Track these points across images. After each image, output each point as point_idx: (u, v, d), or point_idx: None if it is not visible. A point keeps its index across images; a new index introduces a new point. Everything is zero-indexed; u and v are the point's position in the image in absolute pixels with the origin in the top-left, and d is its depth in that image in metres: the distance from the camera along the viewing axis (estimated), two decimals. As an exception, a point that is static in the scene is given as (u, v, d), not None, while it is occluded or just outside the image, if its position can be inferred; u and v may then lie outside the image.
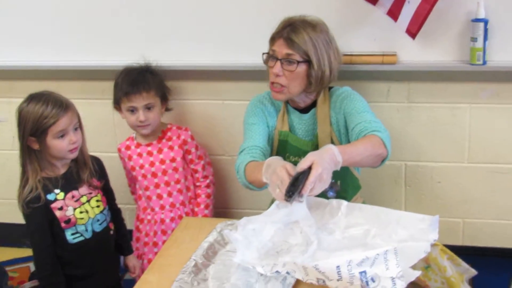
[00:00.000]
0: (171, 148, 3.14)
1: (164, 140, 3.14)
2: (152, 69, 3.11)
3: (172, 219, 3.15)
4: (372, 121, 2.50)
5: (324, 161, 2.08)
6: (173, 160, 3.13)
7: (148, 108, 3.01)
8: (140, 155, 3.13)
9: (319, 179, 2.05)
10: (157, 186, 3.13)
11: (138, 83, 2.99)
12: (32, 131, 2.52)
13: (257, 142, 2.61)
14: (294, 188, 2.06)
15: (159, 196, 3.14)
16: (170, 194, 3.14)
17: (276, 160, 2.24)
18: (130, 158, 3.14)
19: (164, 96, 3.12)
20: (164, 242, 3.06)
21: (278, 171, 2.13)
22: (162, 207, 3.15)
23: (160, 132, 3.16)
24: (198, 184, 3.25)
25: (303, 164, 2.08)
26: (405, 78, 3.03)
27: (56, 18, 3.26)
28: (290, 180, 2.08)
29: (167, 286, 2.02)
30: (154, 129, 3.10)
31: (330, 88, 2.74)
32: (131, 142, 3.17)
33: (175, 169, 3.14)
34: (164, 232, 3.15)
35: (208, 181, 3.26)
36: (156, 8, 3.14)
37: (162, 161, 3.12)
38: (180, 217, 3.13)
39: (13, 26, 3.33)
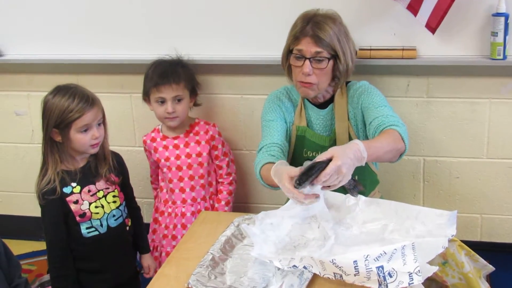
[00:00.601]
0: (198, 142, 3.14)
1: (191, 134, 3.15)
2: (183, 62, 3.13)
3: (192, 213, 3.15)
4: (389, 115, 2.49)
5: (345, 156, 2.06)
6: (199, 154, 3.13)
7: (177, 100, 3.02)
8: (166, 147, 3.13)
9: (338, 172, 2.03)
10: (181, 179, 3.14)
11: (168, 74, 3.00)
12: (56, 123, 2.53)
13: (275, 139, 2.61)
14: (306, 177, 2.04)
15: (182, 190, 3.14)
16: (193, 189, 3.15)
17: (280, 166, 2.22)
18: (156, 150, 3.14)
19: (193, 90, 3.13)
20: (183, 236, 3.08)
21: (282, 180, 2.12)
22: (184, 201, 3.15)
23: (188, 126, 3.16)
24: (221, 180, 3.25)
25: (323, 156, 2.06)
26: (425, 73, 3.02)
27: (75, 12, 3.28)
28: (303, 169, 2.07)
29: (184, 280, 2.03)
30: (182, 122, 3.11)
31: (347, 82, 2.73)
32: (156, 134, 3.17)
33: (200, 164, 3.14)
34: (184, 226, 3.15)
35: (231, 178, 3.27)
36: (174, 3, 3.14)
37: (188, 155, 3.12)
38: (200, 211, 3.12)
39: (33, 20, 3.35)
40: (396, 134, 2.36)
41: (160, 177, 3.24)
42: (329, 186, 2.07)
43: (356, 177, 2.31)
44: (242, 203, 3.50)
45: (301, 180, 2.04)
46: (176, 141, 3.14)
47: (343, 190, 2.22)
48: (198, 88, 3.18)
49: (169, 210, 3.18)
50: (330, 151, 2.07)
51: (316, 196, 2.10)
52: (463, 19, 2.85)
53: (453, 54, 2.93)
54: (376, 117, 2.49)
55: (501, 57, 2.81)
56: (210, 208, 3.21)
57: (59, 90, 2.57)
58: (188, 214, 3.15)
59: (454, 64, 2.94)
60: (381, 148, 2.26)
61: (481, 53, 2.90)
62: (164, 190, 3.21)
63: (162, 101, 3.02)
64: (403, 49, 2.95)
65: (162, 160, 3.14)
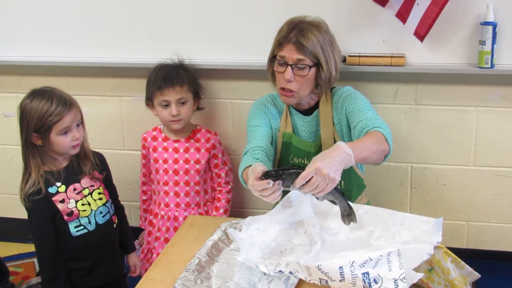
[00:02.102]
0: (198, 149, 3.14)
1: (192, 140, 3.15)
2: (186, 66, 3.12)
3: (185, 218, 3.12)
4: (373, 118, 2.50)
5: (325, 158, 2.07)
6: (197, 161, 3.13)
7: (181, 103, 3.02)
8: (166, 149, 3.13)
9: (319, 174, 2.01)
10: (176, 183, 3.13)
11: (172, 77, 3.00)
12: (36, 128, 2.53)
13: (259, 143, 2.61)
14: (276, 172, 2.06)
15: (177, 194, 3.14)
16: (187, 194, 3.14)
17: (256, 165, 2.22)
18: (155, 149, 3.14)
19: (196, 93, 3.13)
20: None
21: (250, 177, 2.15)
22: (178, 205, 3.15)
23: (189, 131, 3.16)
24: (219, 188, 3.25)
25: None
26: (413, 80, 3.03)
27: (66, 14, 3.27)
28: (282, 167, 2.10)
29: (170, 283, 2.03)
30: (185, 127, 3.11)
31: (331, 88, 2.74)
32: (158, 133, 3.17)
33: (198, 171, 3.14)
34: (176, 229, 3.12)
35: (229, 187, 3.27)
36: (165, 6, 3.15)
37: (187, 161, 3.12)
38: (193, 217, 3.13)
39: (22, 22, 3.34)
40: (380, 135, 2.36)
41: (157, 177, 3.19)
42: (320, 192, 2.06)
43: (343, 183, 2.32)
44: (234, 207, 3.49)
45: (269, 173, 2.07)
46: (176, 145, 3.13)
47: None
48: (201, 92, 3.18)
49: (162, 212, 3.17)
50: (312, 160, 2.08)
51: (274, 185, 2.09)
52: (451, 27, 2.87)
53: (442, 62, 2.94)
54: (360, 120, 2.50)
55: (489, 65, 2.83)
56: (204, 214, 3.20)
57: (36, 94, 2.57)
58: (181, 219, 3.14)
59: (442, 72, 2.95)
60: (366, 148, 2.27)
61: (469, 62, 2.91)
62: (157, 192, 3.20)
63: (166, 105, 3.01)
64: (391, 56, 2.96)
65: (160, 161, 3.13)
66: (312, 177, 2.02)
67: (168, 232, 3.16)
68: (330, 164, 2.05)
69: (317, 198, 2.13)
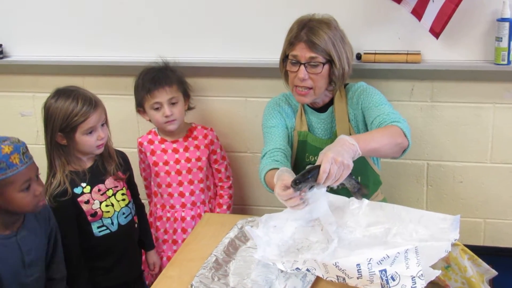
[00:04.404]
0: (197, 147, 3.13)
1: (190, 139, 3.14)
2: (171, 67, 3.11)
3: (192, 217, 3.14)
4: (390, 113, 2.50)
5: (333, 148, 2.11)
6: (198, 159, 3.13)
7: (172, 103, 3.00)
8: (164, 151, 3.11)
9: (334, 162, 2.05)
10: (180, 184, 3.12)
11: (160, 79, 2.99)
12: (61, 128, 2.55)
13: (278, 145, 2.62)
14: (303, 177, 2.07)
15: (181, 194, 3.13)
16: (192, 193, 3.14)
17: (282, 173, 2.24)
18: (153, 153, 3.12)
19: (185, 92, 3.12)
20: (184, 240, 3.08)
21: (276, 186, 2.17)
22: (183, 205, 3.14)
23: (186, 130, 3.15)
24: (220, 184, 3.25)
25: (317, 163, 2.09)
26: (429, 77, 3.02)
27: (81, 13, 3.28)
28: (303, 172, 2.09)
29: (188, 281, 2.04)
30: (180, 126, 3.09)
31: (345, 85, 2.74)
32: (154, 136, 3.15)
33: (200, 168, 3.14)
34: (184, 230, 3.14)
35: (230, 182, 3.27)
36: (180, 5, 3.15)
37: (188, 160, 3.11)
38: (200, 215, 3.12)
39: (38, 21, 3.36)
40: (396, 129, 2.37)
41: (157, 180, 3.18)
42: (337, 181, 2.09)
43: (360, 179, 2.32)
44: (245, 205, 3.50)
45: (298, 181, 2.07)
46: (175, 145, 3.12)
47: (347, 193, 2.24)
48: (189, 90, 3.16)
49: (168, 214, 3.16)
50: (320, 154, 2.10)
51: (303, 201, 2.13)
52: (467, 24, 2.86)
53: (458, 59, 2.93)
54: (377, 115, 2.51)
55: (506, 62, 2.81)
56: (209, 211, 3.20)
57: (61, 94, 2.59)
58: (188, 218, 3.14)
59: (458, 69, 2.94)
60: (374, 139, 2.28)
61: (485, 58, 2.90)
62: (159, 195, 3.18)
63: (158, 108, 2.99)
64: (407, 53, 2.95)
65: (160, 164, 3.11)
66: (330, 168, 2.03)
67: (175, 233, 3.16)
68: (340, 152, 2.08)
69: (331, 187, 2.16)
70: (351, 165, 2.11)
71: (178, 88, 3.04)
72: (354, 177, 2.21)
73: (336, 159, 2.05)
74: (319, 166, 2.06)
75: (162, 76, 3.01)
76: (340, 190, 2.27)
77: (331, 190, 2.25)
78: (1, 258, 2.25)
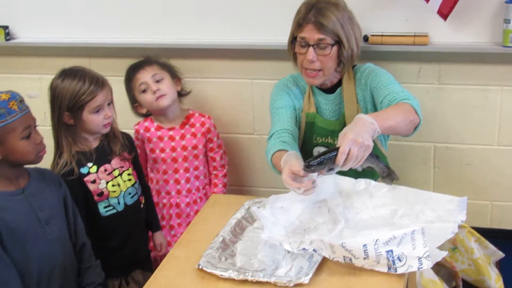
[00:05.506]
0: (194, 135, 3.12)
1: (187, 126, 3.12)
2: (151, 56, 3.11)
3: (187, 204, 3.14)
4: (399, 91, 2.50)
5: (352, 129, 2.12)
6: (195, 147, 3.12)
7: (157, 80, 2.99)
8: (161, 138, 3.10)
9: (355, 143, 2.06)
10: (176, 171, 3.12)
11: (138, 64, 3.03)
12: (69, 107, 2.56)
13: (285, 126, 2.62)
14: (318, 160, 2.08)
15: (177, 181, 3.13)
16: (188, 180, 3.13)
17: (290, 157, 2.25)
18: (149, 140, 3.10)
19: (172, 73, 3.10)
20: (179, 224, 3.14)
21: (283, 172, 2.17)
22: (179, 192, 3.14)
23: (183, 117, 3.14)
24: (215, 172, 3.25)
25: (337, 145, 2.10)
26: (436, 60, 3.01)
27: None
28: (318, 154, 2.11)
29: (194, 261, 2.05)
30: (175, 109, 3.09)
31: (353, 66, 2.74)
32: (150, 123, 3.12)
33: (196, 156, 3.13)
34: (178, 216, 3.15)
35: (225, 170, 3.26)
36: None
37: (184, 148, 3.10)
38: (195, 202, 3.15)
39: (45, 3, 3.36)
40: (407, 106, 2.38)
41: (149, 168, 3.19)
42: (359, 162, 2.10)
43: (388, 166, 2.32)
44: (251, 186, 3.50)
45: (312, 164, 2.08)
46: (171, 133, 3.10)
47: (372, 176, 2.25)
48: (177, 72, 3.14)
49: (164, 201, 3.16)
50: (339, 136, 2.11)
51: (313, 182, 2.13)
52: (475, 6, 2.84)
53: (465, 41, 2.92)
54: (386, 94, 2.51)
55: (514, 44, 2.81)
56: (203, 198, 3.20)
57: (67, 74, 2.60)
58: (183, 205, 3.14)
59: (466, 51, 2.93)
60: (390, 116, 2.29)
61: (493, 40, 2.89)
62: (154, 181, 3.17)
63: (145, 89, 2.98)
64: (414, 36, 2.94)
65: (157, 151, 3.10)
66: (350, 149, 2.04)
67: (171, 219, 3.16)
68: (360, 133, 2.09)
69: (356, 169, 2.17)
70: (371, 144, 2.12)
71: (160, 67, 3.04)
72: (380, 159, 2.21)
73: (356, 140, 2.06)
74: (337, 149, 2.07)
75: (140, 62, 3.04)
76: (365, 173, 2.29)
77: (356, 173, 2.26)
78: (11, 211, 2.24)
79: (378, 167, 2.23)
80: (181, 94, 3.15)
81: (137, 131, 3.13)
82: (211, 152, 3.21)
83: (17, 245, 2.24)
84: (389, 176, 2.26)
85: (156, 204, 3.15)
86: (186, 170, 3.13)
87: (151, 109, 3.07)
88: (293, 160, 2.20)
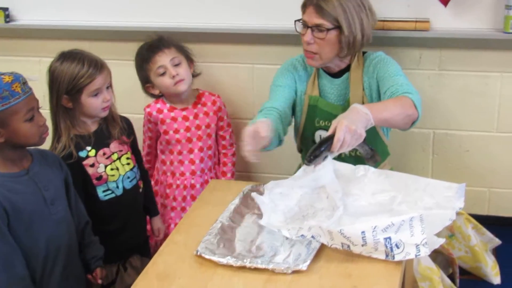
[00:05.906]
0: (206, 114, 3.12)
1: (199, 106, 3.12)
2: (165, 36, 3.08)
3: (201, 185, 3.14)
4: (404, 84, 2.50)
5: (347, 116, 2.13)
6: (208, 126, 3.12)
7: (175, 64, 2.98)
8: (174, 119, 3.08)
9: (348, 131, 2.08)
10: (190, 151, 3.11)
11: (157, 45, 3.00)
12: (67, 90, 2.56)
13: (276, 104, 2.62)
14: (316, 152, 2.11)
15: (192, 161, 3.13)
16: (202, 160, 3.13)
17: (260, 120, 2.28)
18: (162, 121, 3.08)
19: (187, 56, 3.09)
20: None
21: (246, 128, 2.19)
22: (193, 172, 3.14)
23: (194, 97, 3.14)
24: (224, 151, 3.25)
25: (329, 131, 2.12)
26: (437, 45, 3.01)
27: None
28: (315, 146, 2.13)
29: (193, 247, 2.05)
30: (189, 91, 3.08)
31: (364, 53, 2.73)
32: (162, 105, 3.10)
33: (209, 135, 3.13)
34: (193, 198, 3.14)
35: (234, 149, 3.27)
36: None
37: (198, 127, 3.10)
38: (207, 182, 3.13)
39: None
40: (407, 100, 2.37)
41: (159, 150, 3.18)
42: (348, 147, 2.12)
43: (373, 148, 2.33)
44: (252, 172, 3.51)
45: (313, 156, 2.11)
46: (184, 113, 3.09)
47: (354, 161, 2.25)
48: (191, 55, 3.12)
49: (178, 182, 3.15)
50: (333, 123, 2.13)
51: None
52: (477, -8, 2.84)
53: (466, 27, 2.92)
54: (390, 85, 2.51)
55: (515, 30, 2.80)
56: (214, 177, 3.21)
57: (66, 57, 2.59)
58: (198, 186, 3.14)
59: (467, 37, 2.93)
60: (386, 109, 2.30)
61: (494, 27, 2.89)
62: (168, 163, 3.17)
63: (163, 72, 2.97)
64: (416, 21, 2.94)
65: (171, 132, 3.09)
66: (345, 136, 2.07)
67: (185, 201, 3.16)
68: (354, 121, 2.11)
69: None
70: (364, 134, 2.14)
71: (177, 50, 3.03)
72: (365, 141, 2.22)
73: (350, 128, 2.08)
74: (331, 137, 2.08)
75: (158, 43, 3.01)
76: (348, 158, 2.28)
77: (339, 157, 2.26)
78: (17, 192, 2.24)
79: (362, 149, 2.25)
80: (193, 76, 3.15)
81: (149, 114, 3.11)
82: (221, 131, 3.22)
83: (24, 226, 2.24)
84: (372, 158, 2.28)
85: (169, 186, 3.17)
86: (201, 149, 3.12)
87: (167, 92, 3.06)
88: (262, 122, 2.23)
